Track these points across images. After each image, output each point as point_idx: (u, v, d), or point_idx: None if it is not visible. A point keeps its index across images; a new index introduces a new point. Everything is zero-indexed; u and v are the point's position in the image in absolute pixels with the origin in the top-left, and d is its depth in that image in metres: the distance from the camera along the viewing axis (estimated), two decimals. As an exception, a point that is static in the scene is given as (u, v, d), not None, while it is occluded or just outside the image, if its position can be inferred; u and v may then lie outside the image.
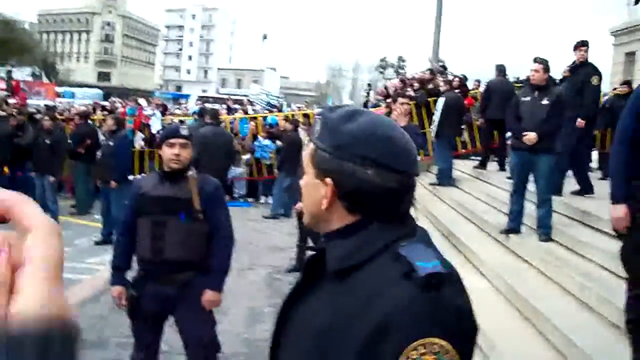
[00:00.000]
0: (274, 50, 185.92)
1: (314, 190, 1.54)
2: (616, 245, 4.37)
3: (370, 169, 1.45)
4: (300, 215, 7.73)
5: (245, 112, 20.61)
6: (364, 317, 1.34)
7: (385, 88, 18.38)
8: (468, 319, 1.38)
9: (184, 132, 4.40)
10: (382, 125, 1.51)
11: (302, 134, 15.02)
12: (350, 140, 1.47)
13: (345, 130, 1.48)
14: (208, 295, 4.36)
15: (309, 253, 1.70)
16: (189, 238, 4.31)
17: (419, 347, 1.26)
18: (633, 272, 4.22)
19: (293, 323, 1.61)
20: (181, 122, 17.89)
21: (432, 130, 13.58)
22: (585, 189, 9.45)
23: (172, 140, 4.34)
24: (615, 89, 14.44)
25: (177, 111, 24.95)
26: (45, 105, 18.59)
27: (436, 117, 13.13)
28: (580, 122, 9.51)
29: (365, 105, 18.48)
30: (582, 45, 9.89)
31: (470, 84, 16.92)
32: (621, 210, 4.16)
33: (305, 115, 16.97)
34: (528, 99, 7.88)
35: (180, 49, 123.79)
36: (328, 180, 1.49)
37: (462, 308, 1.38)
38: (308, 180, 1.57)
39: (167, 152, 4.33)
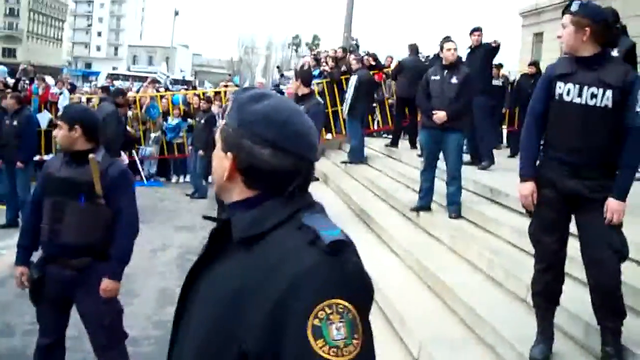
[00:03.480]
0: (186, 26, 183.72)
1: (220, 162, 1.64)
2: (523, 222, 4.44)
3: (266, 149, 1.56)
4: None
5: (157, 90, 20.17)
6: (272, 281, 1.44)
7: (302, 66, 18.29)
8: (367, 282, 1.53)
9: (60, 113, 4.31)
10: (284, 110, 1.62)
11: (216, 109, 14.91)
12: (251, 120, 1.58)
13: (250, 110, 1.60)
14: (104, 283, 4.21)
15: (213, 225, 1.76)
16: (87, 223, 4.17)
17: (326, 307, 1.38)
18: (537, 247, 4.31)
19: (199, 293, 1.65)
20: (88, 100, 17.47)
21: (344, 108, 13.59)
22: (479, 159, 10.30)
23: None
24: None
25: (86, 89, 24.41)
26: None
27: (348, 95, 13.13)
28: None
29: (277, 87, 18.30)
30: (476, 30, 10.67)
31: (382, 61, 16.98)
32: (528, 187, 4.22)
33: (217, 93, 16.81)
34: (438, 77, 7.97)
35: (90, 25, 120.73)
36: (229, 154, 1.60)
37: (363, 272, 1.52)
38: (216, 152, 1.67)
39: None
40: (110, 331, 4.35)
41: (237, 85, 21.53)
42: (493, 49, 10.83)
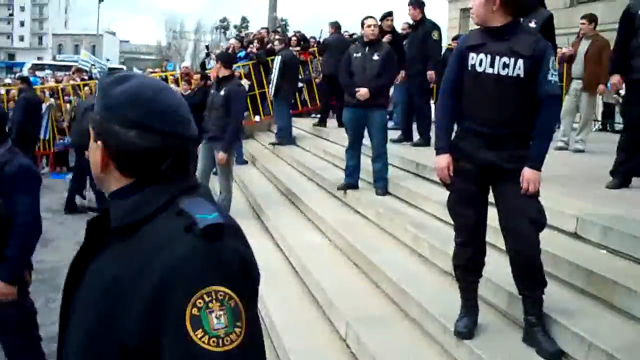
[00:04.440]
0: (112, 13, 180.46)
1: (94, 153, 1.57)
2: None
3: (132, 130, 1.49)
4: None
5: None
6: (148, 271, 1.37)
7: (227, 49, 18.09)
8: (249, 266, 1.46)
9: None
10: (148, 88, 1.55)
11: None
12: (115, 102, 1.52)
13: (113, 93, 1.53)
14: None
15: (93, 214, 1.66)
16: None
17: (204, 295, 1.32)
18: (456, 220, 4.30)
19: (84, 283, 1.57)
20: (7, 92, 16.93)
21: (270, 89, 13.48)
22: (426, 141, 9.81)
23: None
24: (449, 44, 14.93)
25: (8, 80, 23.83)
26: None
27: (274, 76, 13.03)
28: (430, 74, 9.91)
29: (203, 66, 18.05)
30: (418, 5, 10.05)
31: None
32: (444, 160, 4.20)
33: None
34: (359, 54, 7.92)
35: (11, 14, 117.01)
36: (99, 142, 1.53)
37: (243, 256, 1.45)
38: (90, 144, 1.60)
39: None
40: (19, 336, 4.20)
41: (171, 71, 21.21)
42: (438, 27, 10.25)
